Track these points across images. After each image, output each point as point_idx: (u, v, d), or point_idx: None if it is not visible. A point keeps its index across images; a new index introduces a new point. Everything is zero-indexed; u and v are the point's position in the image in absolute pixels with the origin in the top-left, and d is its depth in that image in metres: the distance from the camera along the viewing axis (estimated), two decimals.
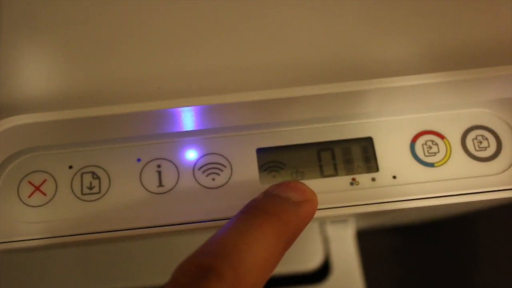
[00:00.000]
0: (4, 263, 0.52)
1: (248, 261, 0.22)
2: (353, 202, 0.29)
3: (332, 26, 0.30)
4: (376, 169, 0.30)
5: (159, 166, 0.30)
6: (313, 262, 0.54)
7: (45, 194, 0.29)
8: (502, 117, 0.31)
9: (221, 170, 0.30)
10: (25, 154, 0.30)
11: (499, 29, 0.30)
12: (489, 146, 0.30)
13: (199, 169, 0.30)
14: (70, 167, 0.30)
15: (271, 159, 0.30)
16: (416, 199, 0.29)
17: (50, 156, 0.30)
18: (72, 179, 0.29)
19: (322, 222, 0.53)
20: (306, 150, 0.30)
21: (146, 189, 0.29)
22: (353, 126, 0.31)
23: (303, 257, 0.54)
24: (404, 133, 0.31)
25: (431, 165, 0.30)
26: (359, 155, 0.30)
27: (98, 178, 0.29)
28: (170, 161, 0.30)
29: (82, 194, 0.29)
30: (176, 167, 0.30)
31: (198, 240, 0.25)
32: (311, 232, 0.55)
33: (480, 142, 0.30)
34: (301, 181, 0.29)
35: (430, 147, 0.30)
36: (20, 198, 0.29)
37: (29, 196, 0.29)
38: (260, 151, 0.30)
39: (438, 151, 0.30)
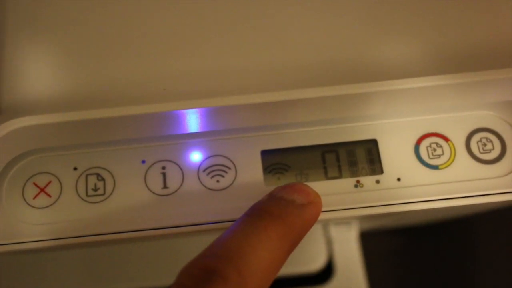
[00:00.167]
0: (9, 264, 0.52)
1: (253, 264, 0.22)
2: (358, 204, 0.29)
3: (337, 28, 0.30)
4: (380, 171, 0.30)
5: (163, 168, 0.30)
6: (316, 263, 0.54)
7: (50, 196, 0.29)
8: (507, 119, 0.31)
9: (226, 172, 0.30)
10: (30, 156, 0.30)
11: (504, 31, 0.30)
12: (493, 149, 0.30)
13: (204, 171, 0.30)
14: (75, 168, 0.30)
15: (275, 161, 0.30)
16: (421, 201, 0.29)
17: (55, 158, 0.30)
18: (77, 180, 0.29)
19: (326, 223, 0.53)
20: (311, 152, 0.30)
21: (151, 191, 0.29)
22: (358, 128, 0.31)
23: (306, 258, 0.54)
24: (408, 135, 0.31)
25: (435, 167, 0.30)
26: (363, 157, 0.30)
27: (103, 179, 0.30)
28: (174, 163, 0.30)
29: (87, 195, 0.29)
30: (181, 169, 0.30)
31: (203, 242, 0.25)
32: (315, 233, 0.55)
33: (485, 145, 0.30)
34: (306, 183, 0.29)
35: (435, 150, 0.30)
36: (25, 200, 0.29)
37: (34, 198, 0.29)
38: (265, 153, 0.30)
39: (443, 154, 0.30)
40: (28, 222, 0.29)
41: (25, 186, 0.29)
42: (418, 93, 0.28)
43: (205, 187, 0.30)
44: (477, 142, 0.31)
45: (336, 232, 0.54)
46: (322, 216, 0.27)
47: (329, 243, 0.55)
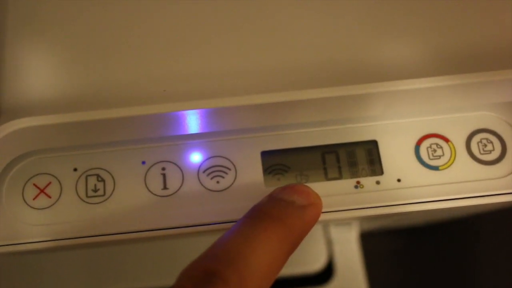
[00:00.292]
0: (9, 265, 0.52)
1: (253, 266, 0.22)
2: (358, 205, 0.29)
3: (337, 29, 0.30)
4: (380, 172, 0.30)
5: (163, 168, 0.30)
6: (316, 264, 0.54)
7: (49, 197, 0.29)
8: (507, 120, 0.31)
9: (226, 173, 0.30)
10: (30, 157, 0.30)
11: (504, 32, 0.30)
12: (493, 150, 0.30)
13: (204, 171, 0.30)
14: (75, 169, 0.30)
15: (275, 162, 0.30)
16: (421, 202, 0.29)
17: (55, 159, 0.30)
18: (77, 181, 0.29)
19: (326, 224, 0.53)
20: (311, 153, 0.30)
21: (151, 192, 0.29)
22: (358, 129, 0.31)
23: (306, 259, 0.54)
24: (408, 136, 0.31)
25: (435, 168, 0.30)
26: (363, 158, 0.30)
27: (103, 180, 0.30)
28: (174, 163, 0.30)
29: (87, 196, 0.29)
30: (181, 170, 0.30)
31: (203, 243, 0.25)
32: (315, 234, 0.55)
33: (485, 146, 0.30)
34: (306, 184, 0.29)
35: (435, 150, 0.30)
36: (25, 201, 0.29)
37: (34, 199, 0.29)
38: (265, 154, 0.30)
39: (443, 154, 0.30)
40: (28, 223, 0.29)
41: (25, 187, 0.29)
42: (419, 94, 0.28)
43: (205, 188, 0.30)
44: (478, 143, 0.31)
45: (336, 232, 0.54)
46: (322, 217, 0.27)
47: (329, 243, 0.55)
